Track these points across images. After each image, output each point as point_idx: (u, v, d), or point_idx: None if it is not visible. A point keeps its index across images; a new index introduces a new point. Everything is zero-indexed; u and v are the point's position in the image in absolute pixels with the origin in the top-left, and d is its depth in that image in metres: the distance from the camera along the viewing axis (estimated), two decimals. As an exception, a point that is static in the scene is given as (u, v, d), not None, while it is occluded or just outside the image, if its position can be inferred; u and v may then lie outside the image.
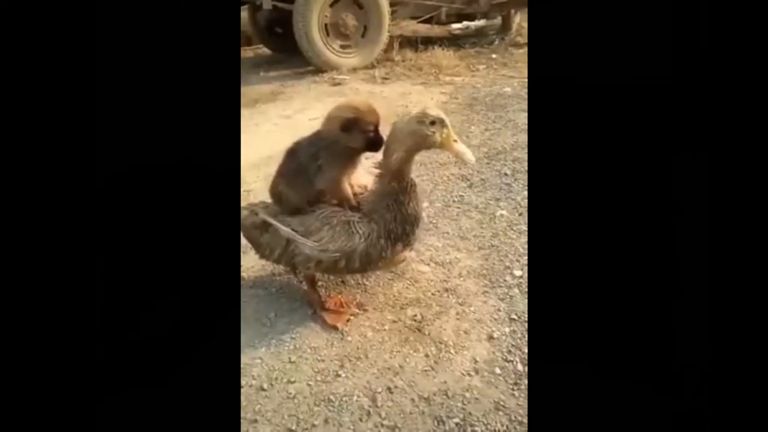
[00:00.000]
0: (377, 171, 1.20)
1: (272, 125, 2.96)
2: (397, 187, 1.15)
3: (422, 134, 1.09)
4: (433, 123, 1.09)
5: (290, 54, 4.42)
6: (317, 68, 3.96)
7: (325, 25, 3.89)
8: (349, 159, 1.20)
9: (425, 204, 1.25)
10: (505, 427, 0.97)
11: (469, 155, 1.13)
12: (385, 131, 1.17)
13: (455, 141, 1.12)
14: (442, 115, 1.10)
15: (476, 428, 0.97)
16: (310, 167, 1.19)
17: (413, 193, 1.17)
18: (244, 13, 4.82)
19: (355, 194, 1.26)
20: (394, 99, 3.28)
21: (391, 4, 4.12)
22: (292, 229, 1.23)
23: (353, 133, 1.15)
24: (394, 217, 1.16)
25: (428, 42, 4.56)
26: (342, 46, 4.02)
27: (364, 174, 1.31)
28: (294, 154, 1.25)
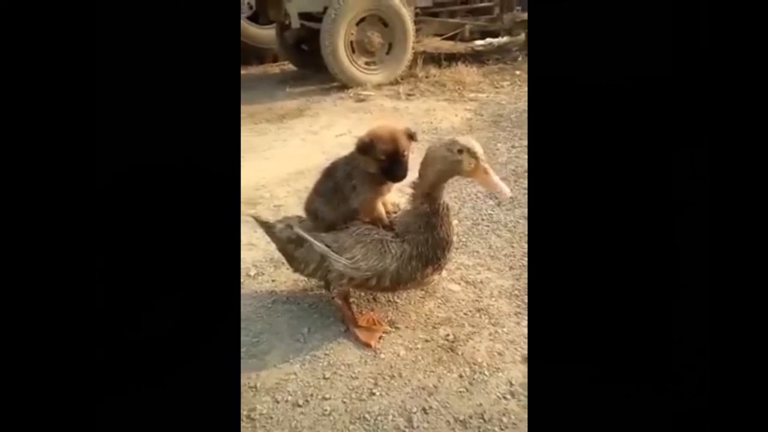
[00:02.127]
0: (410, 191, 1.22)
1: (300, 141, 3.02)
2: (429, 209, 1.16)
3: (449, 161, 1.10)
4: (460, 151, 1.09)
5: (315, 70, 4.51)
6: (343, 84, 4.04)
7: (351, 42, 3.96)
8: (381, 180, 1.20)
9: (455, 222, 1.26)
10: (543, 453, 0.96)
11: (502, 188, 1.10)
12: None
13: (486, 172, 1.10)
14: (472, 144, 1.10)
15: (514, 453, 0.97)
16: (345, 186, 1.21)
17: (446, 217, 1.18)
18: (272, 31, 4.95)
19: (387, 213, 1.28)
20: (419, 115, 3.31)
21: (416, 22, 4.18)
22: (326, 245, 1.25)
23: (367, 158, 1.16)
24: (426, 240, 1.17)
25: (451, 58, 4.60)
26: (367, 63, 4.08)
27: (396, 193, 1.33)
28: (331, 172, 1.28)
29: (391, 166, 1.15)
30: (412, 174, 1.20)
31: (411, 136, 1.19)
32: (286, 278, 1.59)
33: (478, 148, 1.10)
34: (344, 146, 2.75)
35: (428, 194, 1.15)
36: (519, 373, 1.16)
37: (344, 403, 1.11)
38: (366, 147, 1.15)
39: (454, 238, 1.24)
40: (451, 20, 4.54)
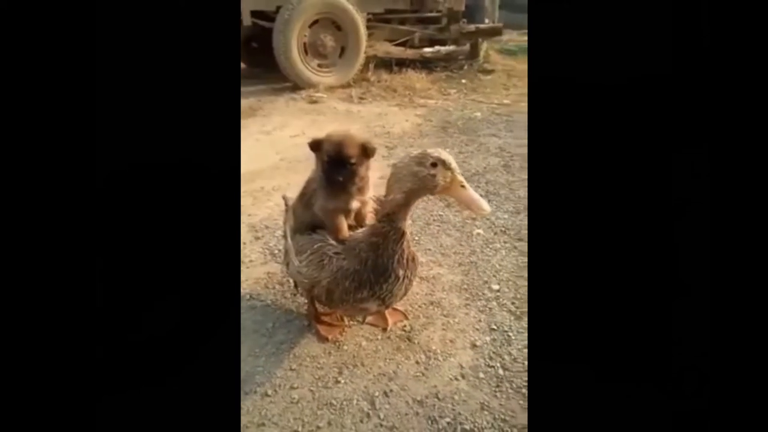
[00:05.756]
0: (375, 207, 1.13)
1: (254, 141, 3.02)
2: (385, 229, 1.08)
3: (421, 177, 1.00)
4: (434, 165, 0.99)
5: (266, 69, 4.49)
6: (295, 85, 4.06)
7: (304, 44, 4.00)
8: (336, 187, 1.16)
9: (405, 255, 1.10)
10: (490, 425, 1.10)
11: (482, 204, 1.00)
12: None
13: (463, 186, 1.00)
14: (446, 156, 1.00)
15: (465, 426, 1.09)
16: (315, 190, 1.27)
17: (395, 244, 1.08)
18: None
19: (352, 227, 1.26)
20: (371, 119, 3.42)
21: (368, 27, 4.29)
22: (294, 245, 1.31)
23: (317, 157, 1.18)
24: (365, 260, 1.09)
25: (402, 64, 4.77)
26: (320, 65, 4.14)
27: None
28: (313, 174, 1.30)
29: (332, 169, 1.12)
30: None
31: (365, 149, 1.14)
32: (247, 277, 1.63)
33: (453, 160, 1.01)
34: (298, 147, 2.81)
35: (389, 214, 1.06)
36: (468, 357, 1.29)
37: (311, 391, 1.19)
38: (315, 144, 1.17)
39: (400, 272, 1.11)
40: (401, 27, 4.71)
